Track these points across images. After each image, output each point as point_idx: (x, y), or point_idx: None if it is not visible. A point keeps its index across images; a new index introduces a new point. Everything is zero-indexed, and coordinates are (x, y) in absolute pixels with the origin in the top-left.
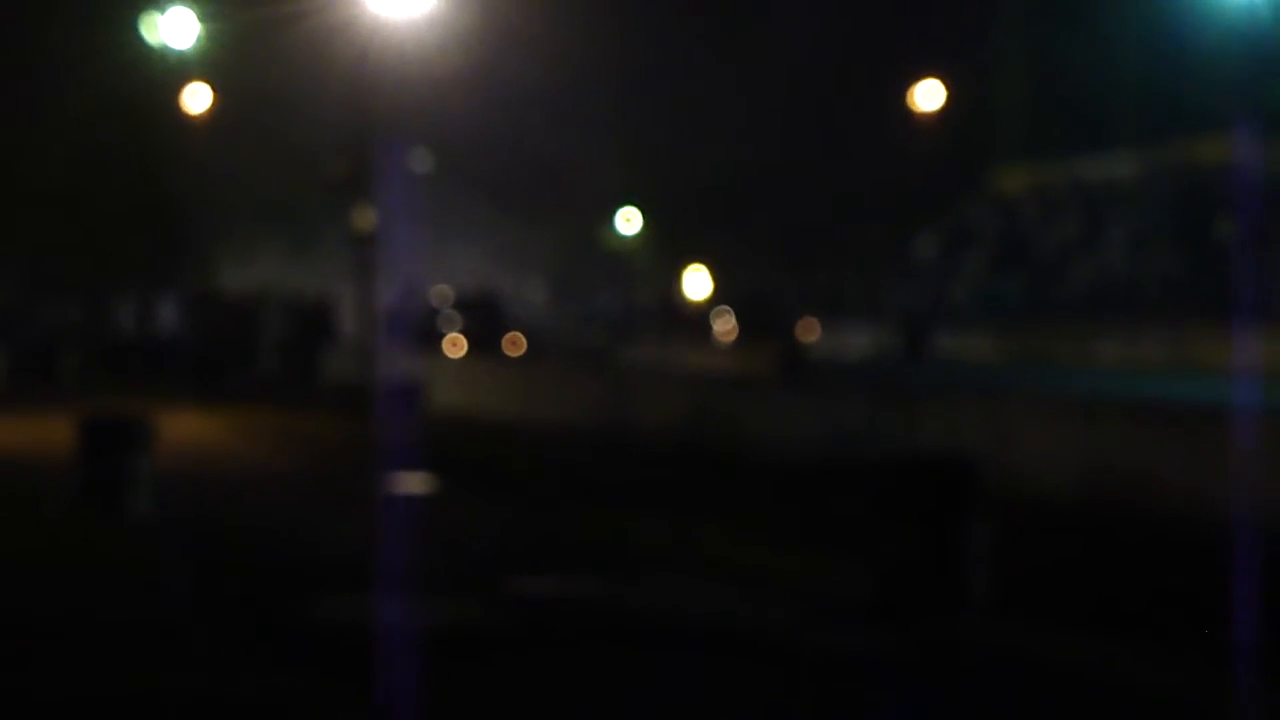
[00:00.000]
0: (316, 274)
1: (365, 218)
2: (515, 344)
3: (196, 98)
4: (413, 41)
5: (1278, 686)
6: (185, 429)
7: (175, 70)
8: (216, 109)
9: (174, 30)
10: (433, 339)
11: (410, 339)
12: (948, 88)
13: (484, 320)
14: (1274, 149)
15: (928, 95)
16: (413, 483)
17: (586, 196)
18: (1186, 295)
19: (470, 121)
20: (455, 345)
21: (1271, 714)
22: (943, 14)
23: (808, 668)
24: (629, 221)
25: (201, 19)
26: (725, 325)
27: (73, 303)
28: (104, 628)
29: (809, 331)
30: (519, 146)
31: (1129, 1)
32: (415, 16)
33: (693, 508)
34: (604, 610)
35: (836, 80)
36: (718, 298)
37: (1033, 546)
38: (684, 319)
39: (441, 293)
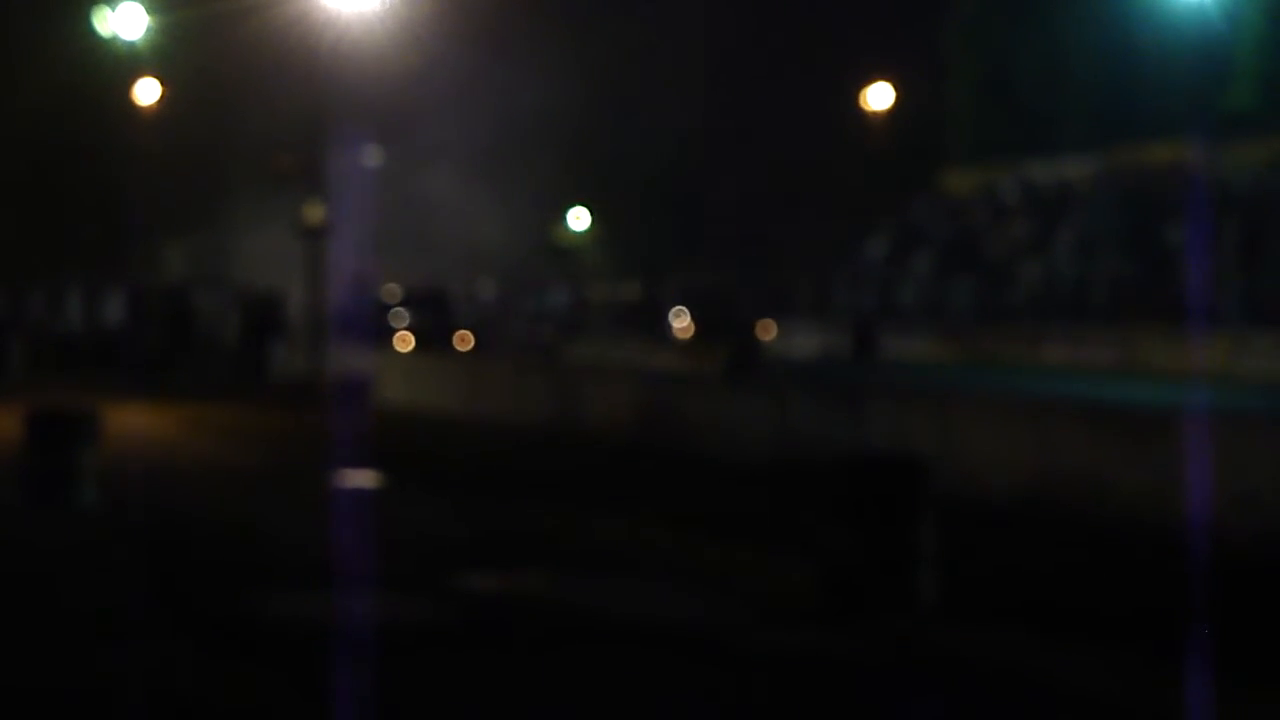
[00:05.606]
0: (266, 267)
1: (315, 212)
2: (464, 341)
3: (147, 90)
4: (365, 35)
5: (1224, 691)
6: (133, 422)
7: (126, 62)
8: (168, 101)
9: (125, 22)
10: (382, 334)
11: (359, 334)
12: (898, 88)
13: (433, 316)
14: (1225, 153)
15: (878, 95)
16: (361, 478)
17: (537, 192)
18: (1135, 298)
19: (422, 116)
20: (404, 341)
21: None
22: (894, 14)
23: (756, 666)
24: (579, 219)
25: (152, 11)
26: (682, 323)
27: (22, 295)
28: (43, 620)
29: (766, 331)
30: (470, 141)
31: (1081, 5)
32: (368, 10)
33: (640, 505)
34: (551, 607)
35: (786, 78)
36: (674, 297)
37: (981, 547)
38: (638, 316)
39: (390, 289)
